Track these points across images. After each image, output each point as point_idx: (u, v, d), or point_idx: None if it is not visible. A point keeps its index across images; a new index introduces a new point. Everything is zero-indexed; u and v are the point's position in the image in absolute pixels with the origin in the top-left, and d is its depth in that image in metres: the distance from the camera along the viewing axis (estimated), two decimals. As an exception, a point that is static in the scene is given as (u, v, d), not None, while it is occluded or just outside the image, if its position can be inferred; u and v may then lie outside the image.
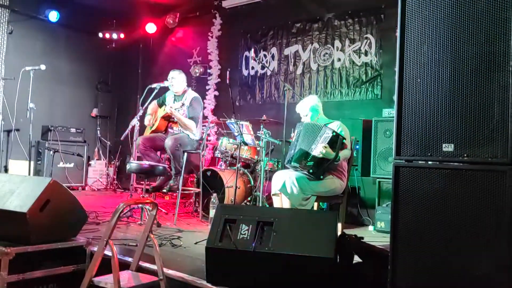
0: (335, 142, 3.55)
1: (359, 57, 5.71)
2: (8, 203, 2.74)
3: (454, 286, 1.87)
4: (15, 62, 6.80)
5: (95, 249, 2.70)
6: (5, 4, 7.04)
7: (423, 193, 1.94)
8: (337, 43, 5.94)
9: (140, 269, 2.65)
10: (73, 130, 7.32)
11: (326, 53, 6.04)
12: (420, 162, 1.99)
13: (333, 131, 3.56)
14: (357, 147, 4.98)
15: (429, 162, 1.95)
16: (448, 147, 1.88)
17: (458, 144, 1.86)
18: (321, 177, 3.64)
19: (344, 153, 3.71)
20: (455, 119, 1.87)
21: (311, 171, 3.56)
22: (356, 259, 2.58)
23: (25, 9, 7.27)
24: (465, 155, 1.84)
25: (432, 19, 1.96)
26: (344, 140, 3.65)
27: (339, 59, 5.90)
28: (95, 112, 8.36)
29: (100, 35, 8.13)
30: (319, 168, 3.57)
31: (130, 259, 2.74)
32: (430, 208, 1.92)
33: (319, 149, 3.52)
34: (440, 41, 1.94)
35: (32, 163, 5.86)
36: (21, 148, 6.68)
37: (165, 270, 2.53)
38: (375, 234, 4.43)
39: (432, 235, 1.91)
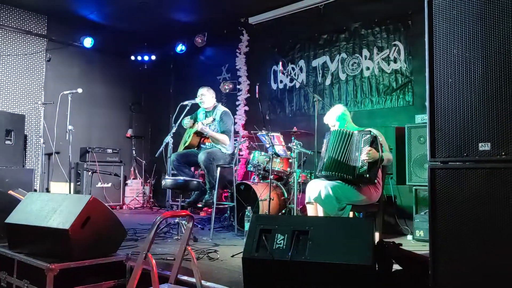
0: (375, 142, 3.59)
1: (388, 64, 5.67)
2: (51, 221, 2.84)
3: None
4: (54, 87, 7.15)
5: (135, 264, 2.76)
6: (43, 33, 7.42)
7: (461, 194, 1.89)
8: (365, 52, 5.92)
9: (178, 282, 2.68)
10: (109, 150, 7.54)
11: (355, 63, 6.02)
12: (456, 163, 1.94)
13: (371, 132, 3.63)
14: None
15: (466, 163, 1.91)
16: (484, 146, 1.83)
17: (495, 142, 1.81)
18: (375, 181, 3.66)
19: (387, 155, 3.72)
20: (490, 118, 1.83)
21: (367, 176, 3.56)
22: (396, 267, 2.53)
23: (61, 37, 7.65)
24: (503, 153, 1.79)
25: (460, 17, 1.94)
26: (380, 139, 3.70)
27: (368, 68, 5.87)
28: (130, 132, 8.60)
29: (132, 58, 8.43)
30: (372, 171, 3.58)
31: (168, 273, 2.77)
32: (469, 209, 1.87)
33: (365, 154, 3.54)
34: (469, 40, 1.91)
35: (72, 184, 6.07)
36: (61, 170, 6.94)
37: (203, 282, 2.55)
38: (415, 243, 4.33)
39: (472, 237, 1.86)
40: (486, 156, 1.84)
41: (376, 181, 3.68)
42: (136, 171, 8.28)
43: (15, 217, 3.08)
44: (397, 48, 5.60)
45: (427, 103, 2.01)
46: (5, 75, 6.99)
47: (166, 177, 4.51)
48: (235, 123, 6.73)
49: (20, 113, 6.74)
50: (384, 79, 5.70)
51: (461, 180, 1.89)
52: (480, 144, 1.85)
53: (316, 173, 4.00)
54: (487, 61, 1.86)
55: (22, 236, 3.01)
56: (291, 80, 6.75)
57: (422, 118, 4.73)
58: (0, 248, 3.16)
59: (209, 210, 5.92)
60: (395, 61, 5.61)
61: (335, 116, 3.98)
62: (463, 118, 1.91)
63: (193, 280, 2.57)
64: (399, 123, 5.16)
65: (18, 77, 7.13)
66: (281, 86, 6.96)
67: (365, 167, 3.55)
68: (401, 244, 2.52)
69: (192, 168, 5.00)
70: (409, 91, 5.46)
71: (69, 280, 2.73)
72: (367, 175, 3.55)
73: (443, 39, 1.99)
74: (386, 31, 5.73)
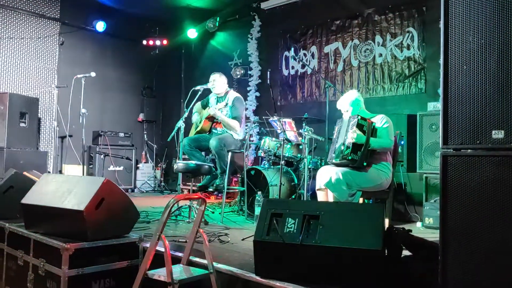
0: (363, 125, 3.60)
1: (401, 51, 5.61)
2: (66, 202, 2.90)
3: (510, 281, 1.81)
4: (67, 71, 7.21)
5: (147, 245, 2.81)
6: (56, 17, 7.45)
7: (473, 182, 1.89)
8: (378, 38, 5.86)
9: (190, 263, 2.73)
10: (121, 134, 7.62)
11: (367, 49, 5.98)
12: (468, 150, 1.93)
13: (359, 116, 3.65)
14: (402, 142, 4.89)
15: (478, 150, 1.90)
16: (498, 134, 1.82)
17: (509, 130, 1.80)
18: (364, 163, 3.62)
19: (380, 141, 3.68)
20: (505, 105, 1.81)
21: (350, 158, 3.56)
22: (405, 253, 2.55)
23: (74, 21, 7.69)
24: (516, 141, 1.78)
25: (477, 3, 1.92)
26: (374, 124, 3.70)
27: (380, 55, 5.82)
28: (141, 117, 8.67)
29: (144, 42, 8.46)
30: (357, 154, 3.58)
31: (180, 254, 2.83)
32: (481, 197, 1.86)
33: (350, 135, 3.58)
34: (486, 26, 1.89)
35: (84, 167, 6.16)
36: (74, 153, 7.03)
37: (214, 264, 2.59)
38: (424, 230, 4.34)
39: (483, 224, 1.86)
40: (499, 144, 1.83)
41: (366, 164, 3.64)
42: (148, 155, 8.37)
43: (31, 197, 3.15)
44: (410, 34, 5.54)
45: (441, 89, 1.99)
46: (19, 58, 7.05)
47: (178, 161, 4.55)
48: (246, 109, 6.74)
49: (34, 96, 6.81)
50: (396, 66, 5.66)
51: (473, 167, 1.88)
52: (493, 132, 1.84)
53: (327, 160, 4.02)
54: (503, 48, 1.84)
55: (37, 216, 3.08)
56: (303, 66, 6.72)
57: (434, 106, 4.70)
58: (17, 227, 3.25)
59: (219, 195, 5.98)
60: (408, 48, 5.55)
61: (349, 101, 3.96)
62: (477, 105, 1.89)
63: (204, 261, 2.62)
64: (411, 111, 5.14)
65: (31, 60, 7.19)
66: (292, 72, 6.94)
67: (349, 150, 3.56)
68: (410, 231, 2.54)
69: (203, 153, 5.03)
70: (421, 79, 5.42)
71: (84, 260, 2.79)
72: (350, 157, 3.55)
73: (459, 25, 1.97)
74: (400, 17, 5.66)
